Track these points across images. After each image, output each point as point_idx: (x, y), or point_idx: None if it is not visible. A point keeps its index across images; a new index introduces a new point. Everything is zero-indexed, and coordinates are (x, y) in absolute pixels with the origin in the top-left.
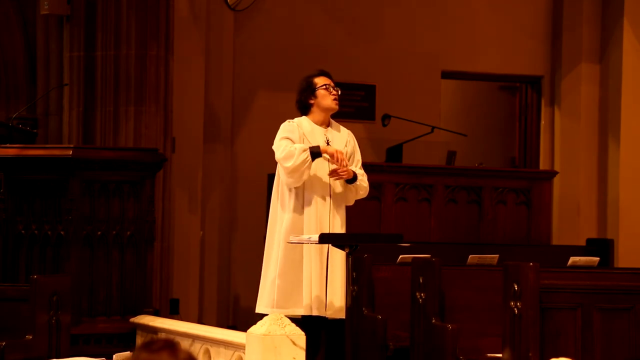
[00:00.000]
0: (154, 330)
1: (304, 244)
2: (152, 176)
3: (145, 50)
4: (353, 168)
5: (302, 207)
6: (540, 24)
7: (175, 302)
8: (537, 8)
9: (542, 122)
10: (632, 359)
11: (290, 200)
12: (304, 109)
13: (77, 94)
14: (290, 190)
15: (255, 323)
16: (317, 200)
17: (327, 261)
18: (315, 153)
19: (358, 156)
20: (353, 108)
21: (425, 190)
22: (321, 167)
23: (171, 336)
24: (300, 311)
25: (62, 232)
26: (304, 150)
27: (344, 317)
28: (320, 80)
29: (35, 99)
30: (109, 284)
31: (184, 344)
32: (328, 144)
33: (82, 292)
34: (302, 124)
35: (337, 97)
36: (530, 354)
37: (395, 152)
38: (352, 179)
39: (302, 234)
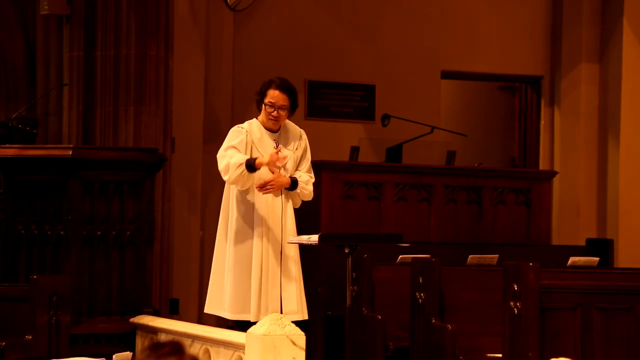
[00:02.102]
0: (154, 330)
1: (254, 245)
2: (152, 176)
3: (145, 50)
4: (301, 171)
5: (253, 204)
6: (540, 24)
7: (175, 302)
8: (537, 8)
9: (542, 122)
10: None
11: (240, 197)
12: (258, 108)
13: (77, 94)
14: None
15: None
16: (267, 197)
17: (281, 263)
18: (251, 167)
19: (308, 158)
20: (352, 108)
21: (425, 190)
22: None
23: (170, 336)
24: (249, 317)
25: (61, 232)
26: (239, 165)
27: (300, 319)
28: (270, 96)
29: (35, 99)
30: (109, 284)
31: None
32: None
33: (81, 292)
34: (253, 130)
35: (276, 119)
36: (530, 354)
37: (395, 152)
38: (292, 187)
39: (253, 230)
